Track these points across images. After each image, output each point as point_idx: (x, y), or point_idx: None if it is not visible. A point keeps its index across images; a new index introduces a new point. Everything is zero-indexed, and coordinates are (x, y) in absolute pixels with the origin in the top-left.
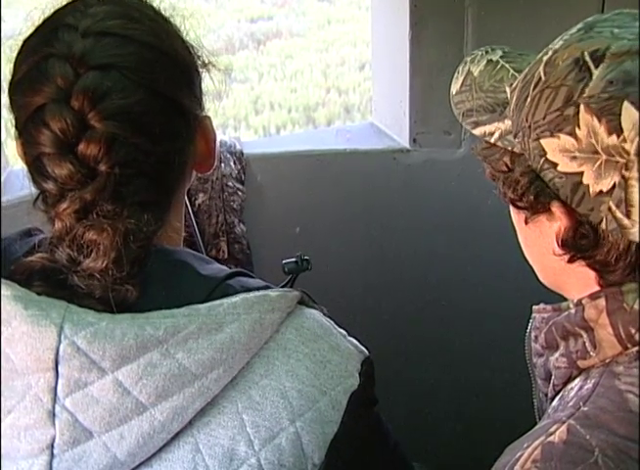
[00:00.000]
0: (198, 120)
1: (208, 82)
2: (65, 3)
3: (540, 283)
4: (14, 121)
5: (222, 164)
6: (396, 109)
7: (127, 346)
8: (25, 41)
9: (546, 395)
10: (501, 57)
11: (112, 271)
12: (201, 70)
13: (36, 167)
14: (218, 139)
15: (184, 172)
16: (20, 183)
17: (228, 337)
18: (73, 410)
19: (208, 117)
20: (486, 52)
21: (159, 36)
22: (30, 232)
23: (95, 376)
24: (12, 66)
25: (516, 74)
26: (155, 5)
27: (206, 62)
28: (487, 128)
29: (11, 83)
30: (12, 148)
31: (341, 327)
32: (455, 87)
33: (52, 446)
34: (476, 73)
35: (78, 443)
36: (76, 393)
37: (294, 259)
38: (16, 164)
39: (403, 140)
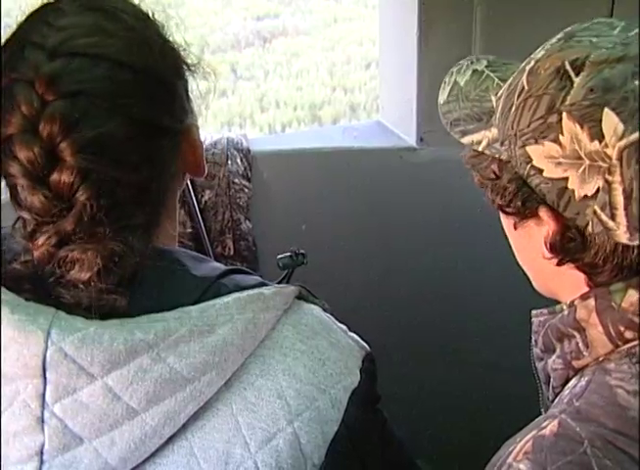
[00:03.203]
0: (182, 133)
1: (203, 83)
2: (38, 6)
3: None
4: None
5: (229, 162)
6: (404, 107)
7: (117, 351)
8: None
9: (548, 398)
10: (486, 66)
11: (95, 283)
12: (187, 72)
13: (13, 195)
14: (225, 136)
15: (171, 188)
16: None
17: (220, 339)
18: (63, 416)
19: (194, 126)
20: (472, 62)
21: (135, 51)
22: (14, 238)
23: (84, 382)
24: None
25: (501, 83)
26: (136, 3)
27: (193, 63)
28: (475, 137)
29: None
30: None
31: (342, 322)
32: (442, 97)
33: (41, 452)
34: (462, 83)
35: (68, 449)
36: (65, 399)
37: (288, 254)
38: None
39: (410, 138)
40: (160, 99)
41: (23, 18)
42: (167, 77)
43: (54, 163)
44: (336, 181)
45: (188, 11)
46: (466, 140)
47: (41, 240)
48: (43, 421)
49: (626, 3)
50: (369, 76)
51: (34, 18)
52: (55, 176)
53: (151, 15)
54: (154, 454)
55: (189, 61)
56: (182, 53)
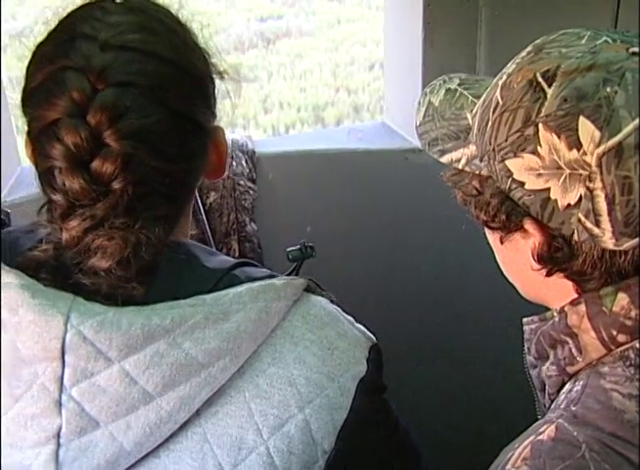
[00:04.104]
0: (211, 133)
1: (223, 90)
2: (79, 5)
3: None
4: (26, 128)
5: (234, 163)
6: (408, 108)
7: (134, 335)
8: (39, 47)
9: (544, 405)
10: (459, 85)
11: (116, 271)
12: (215, 77)
13: (46, 179)
14: (230, 137)
15: (195, 186)
16: (31, 181)
17: (234, 326)
18: (80, 400)
19: (221, 129)
20: (444, 81)
21: (178, 50)
22: (36, 227)
23: (102, 366)
24: (25, 72)
25: (475, 100)
26: (174, 11)
27: (222, 70)
28: (454, 155)
29: (24, 91)
30: (24, 146)
31: (349, 314)
32: (418, 119)
33: (58, 435)
34: (436, 103)
35: (85, 432)
36: (83, 382)
37: (297, 247)
38: (26, 161)
39: (415, 140)
40: (196, 97)
41: (64, 16)
42: (203, 78)
43: (98, 148)
44: (341, 183)
45: (191, 12)
46: (445, 159)
47: (74, 222)
48: (61, 404)
49: (632, 1)
50: (372, 77)
51: (80, 14)
52: (97, 162)
53: (186, 22)
54: (168, 440)
55: (220, 68)
56: (212, 60)
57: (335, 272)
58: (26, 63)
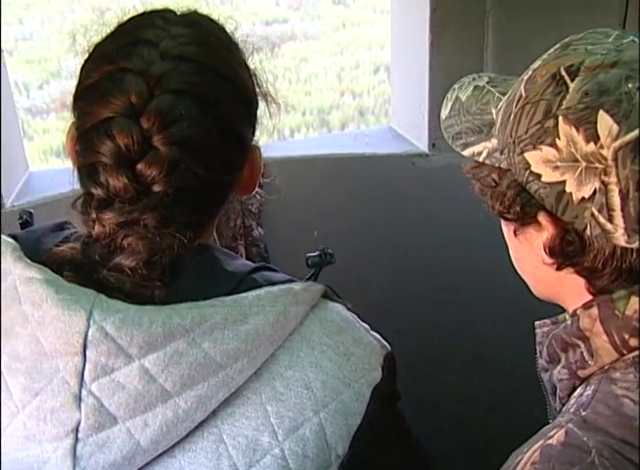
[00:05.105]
0: (250, 151)
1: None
2: (142, 12)
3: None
4: (76, 123)
5: None
6: (415, 113)
7: (155, 333)
8: (99, 47)
9: (556, 409)
10: (487, 82)
11: (141, 270)
12: (260, 99)
13: (88, 173)
14: None
15: (228, 199)
16: (39, 186)
17: (253, 328)
18: (99, 395)
19: (258, 148)
20: (474, 79)
21: (232, 67)
22: (62, 226)
23: (122, 362)
24: (80, 69)
25: (501, 97)
26: (229, 31)
27: (265, 92)
28: (476, 148)
29: (78, 87)
30: (30, 150)
31: (364, 322)
32: (445, 112)
33: (77, 430)
34: (463, 99)
35: (103, 428)
36: (103, 378)
37: (317, 253)
38: (32, 166)
39: (422, 145)
40: (244, 114)
41: (124, 19)
42: (251, 97)
43: (146, 151)
44: (348, 188)
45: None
46: (467, 152)
47: (110, 214)
48: (80, 399)
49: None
50: (377, 81)
51: (143, 20)
52: (143, 164)
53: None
54: (184, 440)
55: (264, 91)
56: (258, 81)
57: (341, 276)
58: (83, 61)
